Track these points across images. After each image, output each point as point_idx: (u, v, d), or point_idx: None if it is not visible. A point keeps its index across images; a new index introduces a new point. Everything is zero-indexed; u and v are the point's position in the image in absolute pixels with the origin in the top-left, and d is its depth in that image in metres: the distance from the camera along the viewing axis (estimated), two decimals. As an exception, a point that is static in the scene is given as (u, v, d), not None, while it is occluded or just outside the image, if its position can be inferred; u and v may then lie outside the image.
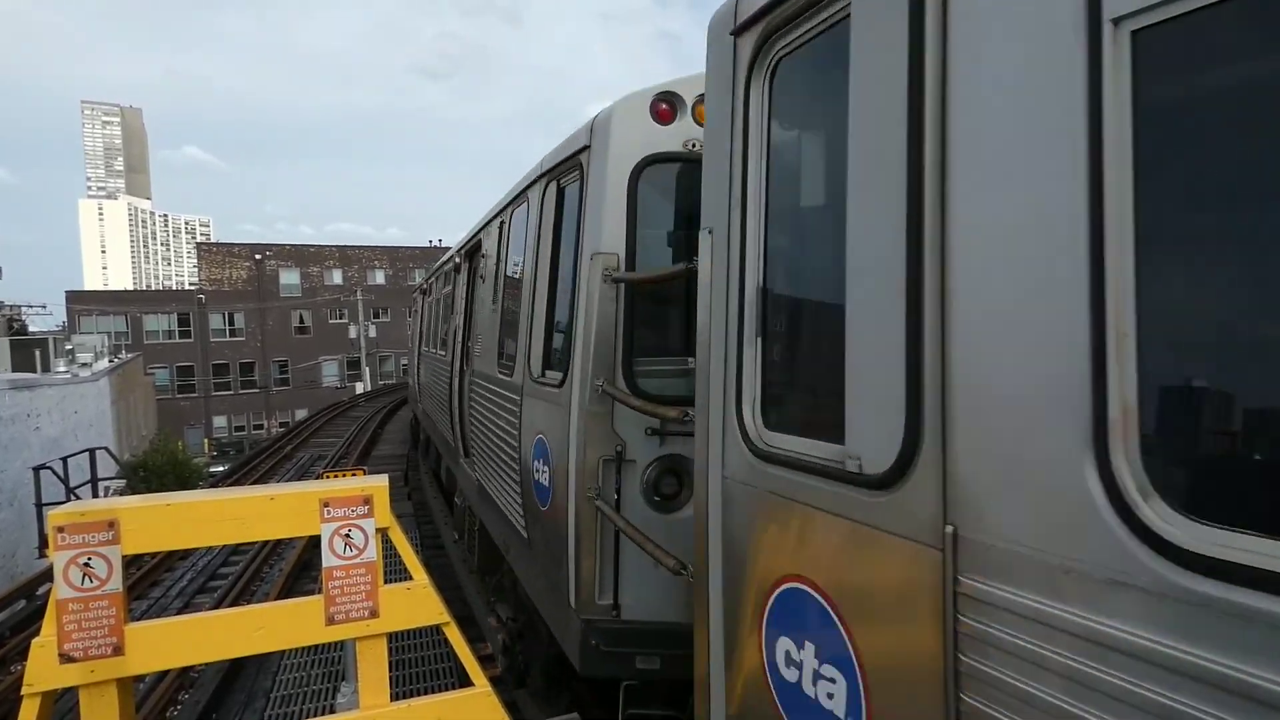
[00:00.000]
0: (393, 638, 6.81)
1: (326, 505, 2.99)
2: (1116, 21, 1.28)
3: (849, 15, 1.97)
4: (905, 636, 1.69)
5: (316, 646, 7.20)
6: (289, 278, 59.72)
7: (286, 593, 9.96)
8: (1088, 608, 1.26)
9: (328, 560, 2.98)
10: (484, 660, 6.78)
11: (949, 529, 1.54)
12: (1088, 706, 1.26)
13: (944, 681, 1.55)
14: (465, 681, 3.18)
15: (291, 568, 10.90)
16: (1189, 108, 1.30)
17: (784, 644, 2.18)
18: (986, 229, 1.50)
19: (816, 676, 2.03)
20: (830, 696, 1.97)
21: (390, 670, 3.15)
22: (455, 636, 3.14)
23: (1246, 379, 1.21)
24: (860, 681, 1.85)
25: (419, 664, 7.28)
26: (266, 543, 11.84)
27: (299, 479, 19.27)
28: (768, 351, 2.39)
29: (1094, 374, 1.25)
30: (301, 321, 59.69)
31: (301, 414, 48.45)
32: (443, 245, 68.04)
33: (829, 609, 1.96)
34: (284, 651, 7.31)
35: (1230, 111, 1.25)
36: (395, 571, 3.20)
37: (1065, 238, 1.31)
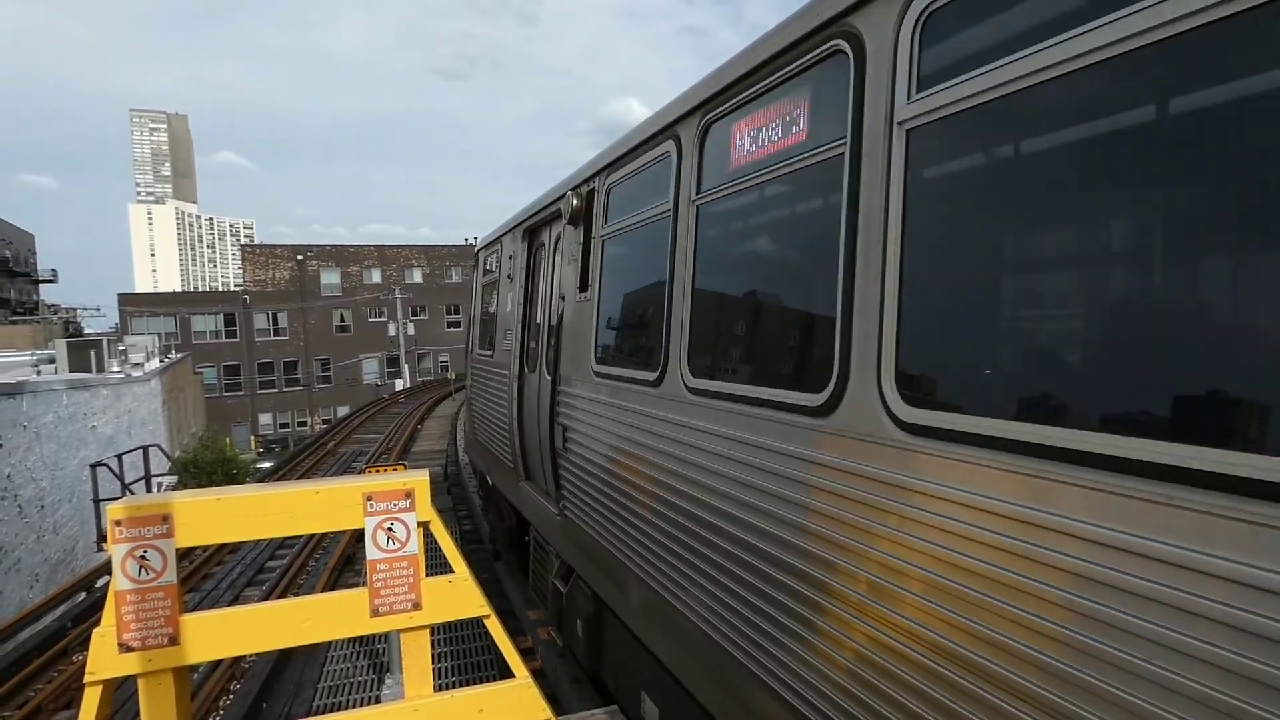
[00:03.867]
0: (435, 630, 6.91)
1: (370, 499, 3.04)
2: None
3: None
4: None
5: (362, 638, 7.36)
6: (329, 277, 60.89)
7: (331, 586, 10.18)
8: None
9: (371, 553, 3.02)
10: (524, 653, 6.86)
11: None
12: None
13: None
14: (507, 673, 3.20)
15: (336, 561, 11.14)
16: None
17: None
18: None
19: None
20: None
21: (433, 662, 3.19)
22: (496, 628, 3.17)
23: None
24: None
25: (461, 656, 7.39)
26: (312, 537, 12.12)
27: (342, 474, 19.68)
28: None
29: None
30: (342, 320, 60.82)
31: (343, 411, 49.48)
32: (478, 243, 68.65)
33: None
34: (331, 643, 7.49)
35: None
36: (436, 565, 3.25)
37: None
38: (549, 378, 5.59)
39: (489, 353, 8.17)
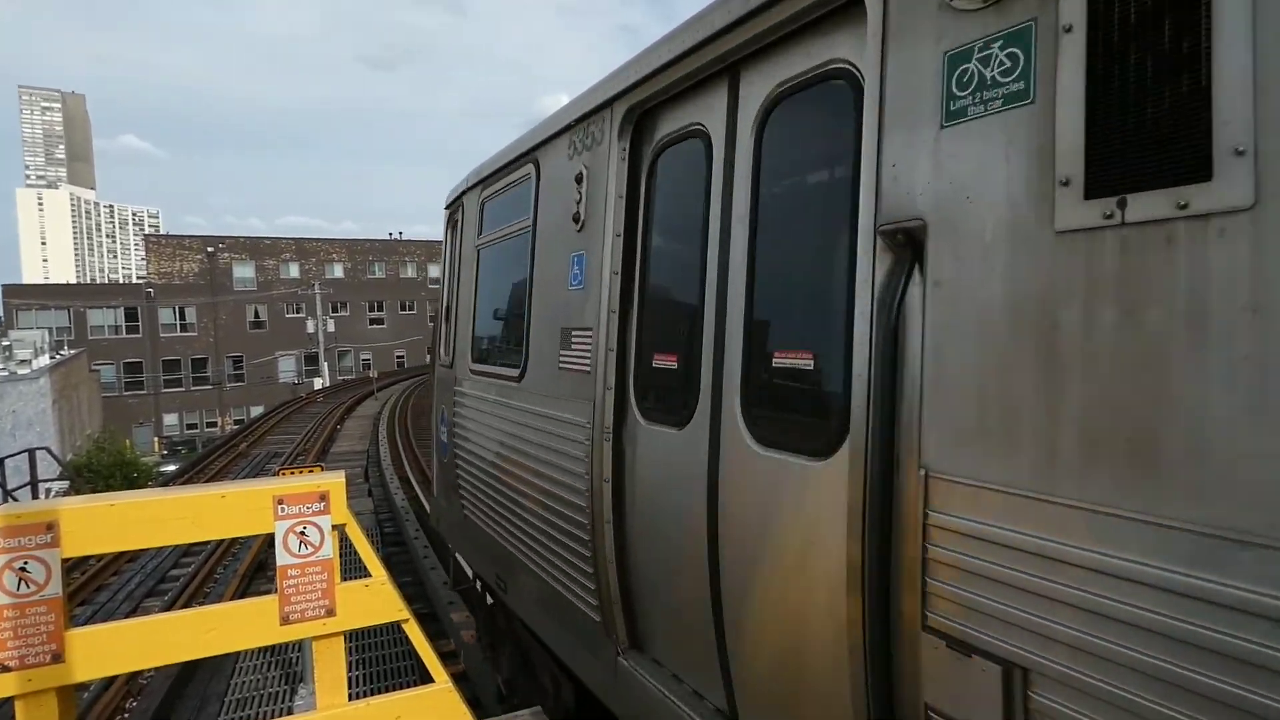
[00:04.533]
0: (354, 636, 6.64)
1: (280, 502, 2.90)
2: None
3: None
4: None
5: (274, 648, 7.04)
6: (243, 271, 58.19)
7: (242, 594, 9.73)
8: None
9: (282, 558, 2.89)
10: (446, 657, 6.71)
11: None
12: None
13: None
14: (428, 679, 3.12)
15: (246, 568, 10.65)
16: None
17: None
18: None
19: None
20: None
21: (350, 669, 3.08)
22: (415, 633, 3.08)
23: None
24: None
25: (381, 662, 7.17)
26: (221, 542, 11.53)
27: (254, 477, 18.81)
28: None
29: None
30: (257, 316, 58.26)
31: (257, 410, 47.35)
32: (403, 238, 67.06)
33: None
34: (240, 654, 7.14)
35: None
36: (356, 569, 3.13)
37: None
38: (906, 477, 1.92)
39: (508, 373, 4.40)
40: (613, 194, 3.34)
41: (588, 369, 3.43)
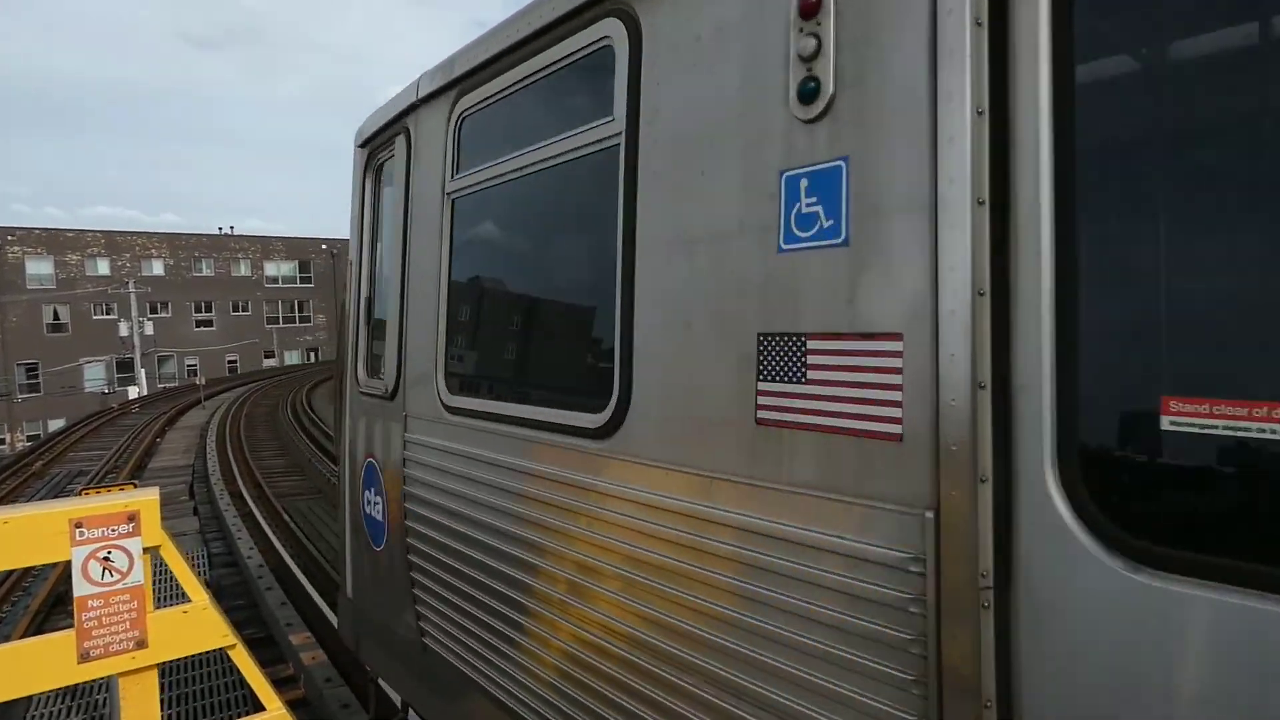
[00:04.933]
0: (176, 670, 6.10)
1: (79, 526, 2.61)
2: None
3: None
4: None
5: (76, 689, 6.26)
6: (39, 267, 51.38)
7: (36, 633, 8.57)
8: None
9: (81, 588, 2.59)
10: (284, 682, 6.27)
11: None
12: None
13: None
14: (261, 708, 2.91)
15: (40, 603, 9.40)
16: None
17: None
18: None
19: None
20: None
21: (168, 706, 2.82)
22: (243, 659, 2.87)
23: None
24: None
25: (209, 695, 6.58)
26: (10, 575, 10.12)
27: (51, 499, 16.62)
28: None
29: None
30: (56, 317, 51.63)
31: (57, 424, 41.88)
32: (234, 233, 61.77)
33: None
34: (33, 699, 6.31)
35: None
36: (179, 595, 2.86)
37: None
38: None
39: (563, 420, 2.51)
40: (967, 21, 1.46)
41: (890, 429, 1.58)
